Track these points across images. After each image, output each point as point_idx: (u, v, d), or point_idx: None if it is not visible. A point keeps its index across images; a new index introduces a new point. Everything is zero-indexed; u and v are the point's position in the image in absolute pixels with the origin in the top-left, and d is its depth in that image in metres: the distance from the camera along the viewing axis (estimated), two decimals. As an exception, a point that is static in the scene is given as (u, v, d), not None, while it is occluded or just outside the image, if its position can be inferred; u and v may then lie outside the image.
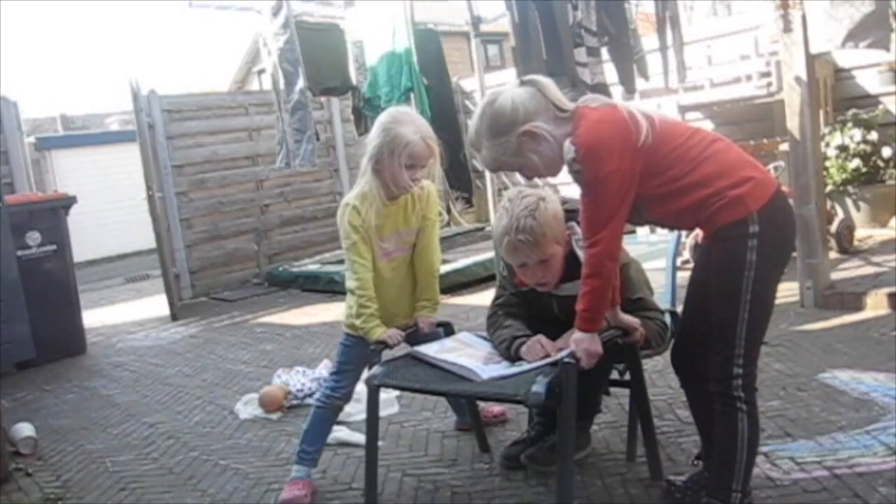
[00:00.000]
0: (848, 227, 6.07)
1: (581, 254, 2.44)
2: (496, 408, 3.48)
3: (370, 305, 2.88)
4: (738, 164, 2.18)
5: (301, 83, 5.56)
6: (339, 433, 3.44)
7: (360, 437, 3.53)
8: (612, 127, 2.11)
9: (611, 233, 2.13)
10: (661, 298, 3.25)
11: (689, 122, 7.82)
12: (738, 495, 2.18)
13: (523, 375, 2.40)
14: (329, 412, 3.03)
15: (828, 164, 6.36)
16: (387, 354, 2.86)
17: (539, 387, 2.23)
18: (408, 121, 2.81)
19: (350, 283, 2.93)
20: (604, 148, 2.09)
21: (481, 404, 3.30)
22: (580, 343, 2.28)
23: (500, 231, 2.59)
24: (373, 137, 2.81)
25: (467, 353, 2.69)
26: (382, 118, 2.83)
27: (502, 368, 2.55)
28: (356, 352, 2.97)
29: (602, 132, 2.10)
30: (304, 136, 5.63)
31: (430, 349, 2.74)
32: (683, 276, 2.81)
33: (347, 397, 3.05)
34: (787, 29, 4.58)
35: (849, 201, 6.55)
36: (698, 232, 2.55)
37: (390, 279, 2.99)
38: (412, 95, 5.42)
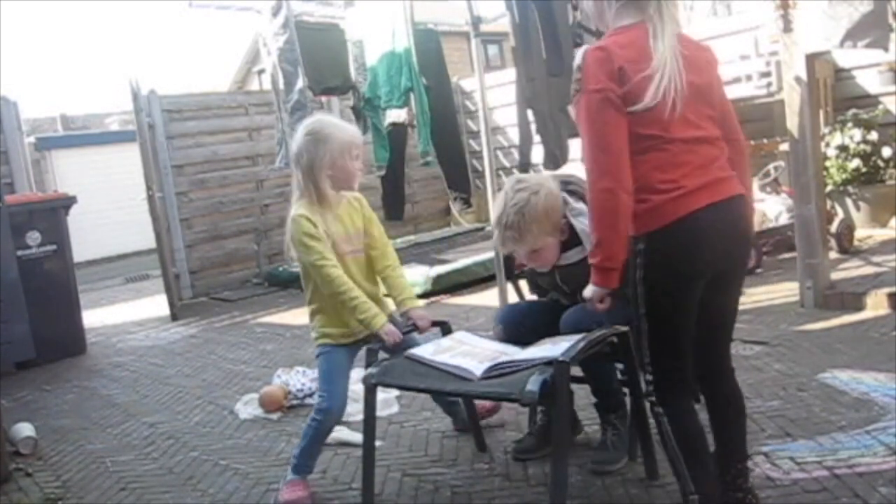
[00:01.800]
0: (848, 227, 6.07)
1: (576, 223, 2.43)
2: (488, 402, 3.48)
3: (358, 295, 2.84)
4: (652, 181, 2.07)
5: (301, 83, 5.56)
6: (339, 433, 3.44)
7: (359, 438, 3.53)
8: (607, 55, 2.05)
9: (604, 165, 2.07)
10: None
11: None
12: (696, 497, 2.12)
13: (518, 374, 2.40)
14: (324, 433, 2.94)
15: (828, 164, 6.36)
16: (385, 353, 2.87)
17: (533, 385, 2.24)
18: (329, 122, 2.99)
19: (328, 289, 2.86)
20: (590, 68, 2.05)
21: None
22: (593, 297, 2.20)
23: (493, 219, 2.70)
24: (308, 149, 2.91)
25: (463, 352, 2.69)
26: (307, 131, 2.94)
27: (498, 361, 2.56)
28: (337, 357, 2.94)
29: (597, 53, 2.07)
30: None
31: (425, 350, 2.75)
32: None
33: (342, 411, 2.94)
34: (787, 29, 4.58)
35: (849, 201, 6.55)
36: None
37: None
38: (412, 95, 5.41)
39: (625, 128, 2.05)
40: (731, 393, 2.34)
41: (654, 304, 2.10)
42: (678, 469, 2.15)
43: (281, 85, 5.85)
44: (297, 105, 5.58)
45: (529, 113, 4.85)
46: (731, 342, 2.40)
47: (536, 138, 5.01)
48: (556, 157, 4.95)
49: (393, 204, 6.28)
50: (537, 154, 5.15)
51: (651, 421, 2.38)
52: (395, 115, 5.76)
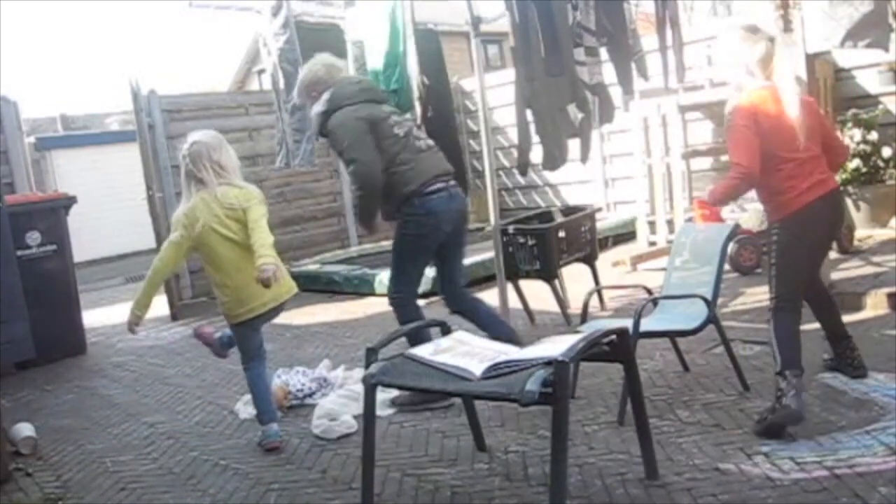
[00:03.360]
0: (848, 227, 6.06)
1: None
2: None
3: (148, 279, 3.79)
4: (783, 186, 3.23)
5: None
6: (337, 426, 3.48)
7: (347, 417, 3.57)
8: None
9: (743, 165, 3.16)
10: (706, 285, 3.55)
11: (689, 121, 7.85)
12: (781, 378, 3.03)
13: (518, 374, 2.40)
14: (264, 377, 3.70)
15: (828, 164, 6.36)
16: (384, 353, 2.87)
17: (533, 385, 2.24)
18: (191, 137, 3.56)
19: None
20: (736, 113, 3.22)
21: None
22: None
23: None
24: (191, 158, 3.48)
25: (463, 352, 2.69)
26: (191, 143, 3.53)
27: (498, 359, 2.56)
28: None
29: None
30: (303, 136, 5.62)
31: (425, 350, 2.75)
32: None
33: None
34: (787, 29, 4.58)
35: (849, 201, 6.54)
36: None
37: (239, 266, 3.45)
38: (398, 95, 5.36)
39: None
40: (824, 292, 3.58)
41: (784, 259, 3.21)
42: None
43: (281, 85, 5.84)
44: (298, 105, 5.57)
45: (529, 113, 4.84)
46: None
47: (536, 138, 5.01)
48: (554, 158, 4.95)
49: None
50: (536, 154, 5.15)
51: (651, 421, 2.37)
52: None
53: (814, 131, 3.20)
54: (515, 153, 9.88)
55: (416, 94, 5.06)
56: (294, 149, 5.62)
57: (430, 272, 6.86)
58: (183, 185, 3.58)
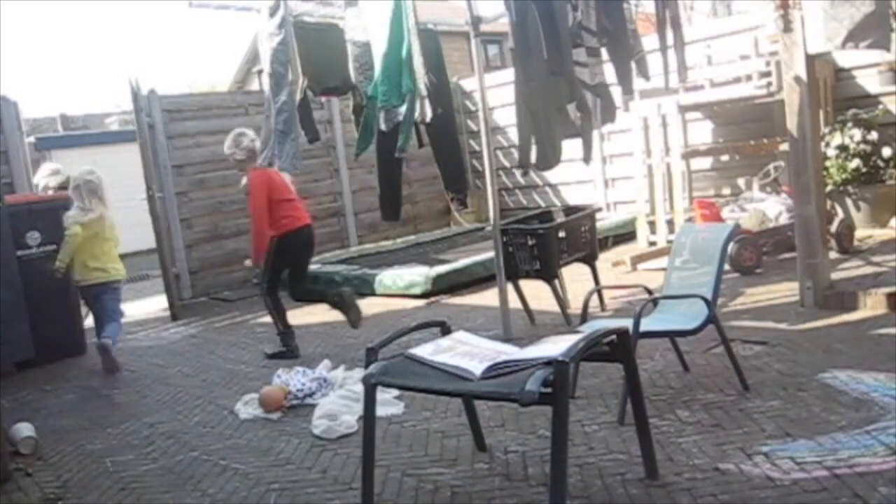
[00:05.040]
0: (848, 227, 6.07)
1: None
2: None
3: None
4: None
5: (289, 85, 5.51)
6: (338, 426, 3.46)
7: (347, 417, 3.58)
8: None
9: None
10: (706, 285, 3.50)
11: (689, 121, 7.86)
12: None
13: (518, 374, 2.40)
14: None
15: (828, 164, 6.36)
16: (384, 353, 2.86)
17: (533, 385, 2.24)
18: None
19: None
20: None
21: None
22: None
23: None
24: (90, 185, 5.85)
25: (463, 352, 2.69)
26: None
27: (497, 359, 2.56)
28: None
29: None
30: (286, 138, 5.56)
31: (425, 350, 2.75)
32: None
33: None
34: (787, 29, 4.58)
35: (849, 201, 6.55)
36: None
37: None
38: (408, 98, 5.36)
39: None
40: None
41: None
42: None
43: (271, 85, 5.79)
44: (283, 107, 5.53)
45: (527, 112, 4.84)
46: None
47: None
48: (548, 157, 4.94)
49: (389, 205, 6.25)
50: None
51: (651, 421, 2.37)
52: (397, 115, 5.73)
53: None
54: (516, 153, 9.95)
55: (423, 92, 5.05)
56: (278, 151, 5.57)
57: (431, 272, 6.90)
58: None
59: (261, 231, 5.10)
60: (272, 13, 5.47)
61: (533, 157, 4.97)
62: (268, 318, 5.51)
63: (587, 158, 5.39)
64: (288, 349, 5.21)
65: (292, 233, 5.17)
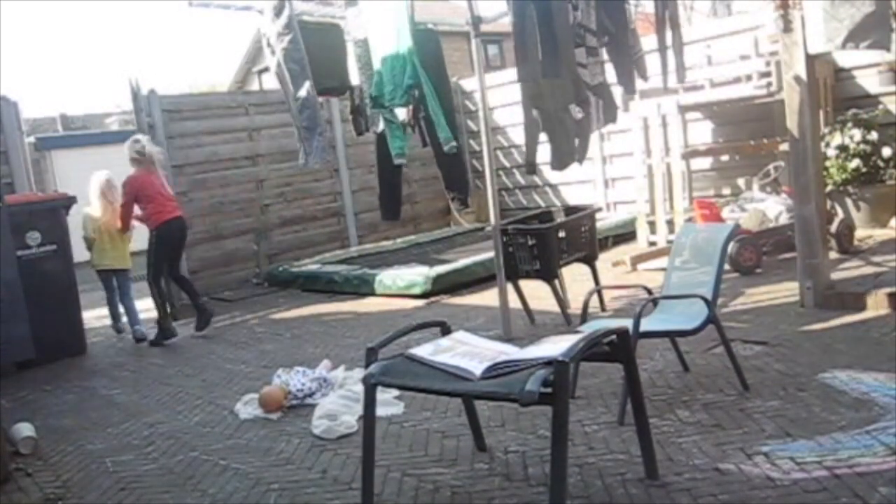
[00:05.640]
0: (848, 227, 6.07)
1: None
2: None
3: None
4: None
5: (308, 82, 5.53)
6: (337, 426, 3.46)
7: (347, 417, 3.58)
8: None
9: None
10: (706, 285, 3.51)
11: (689, 121, 7.86)
12: None
13: (518, 374, 2.40)
14: None
15: (828, 164, 6.36)
16: (384, 353, 2.86)
17: (533, 385, 2.24)
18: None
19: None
20: None
21: None
22: None
23: None
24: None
25: (463, 352, 2.69)
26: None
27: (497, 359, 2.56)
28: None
29: None
30: (313, 134, 5.60)
31: (425, 350, 2.75)
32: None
33: None
34: (787, 29, 4.58)
35: (849, 201, 6.55)
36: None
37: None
38: (416, 93, 5.37)
39: None
40: None
41: None
42: None
43: (290, 85, 5.80)
44: (305, 104, 5.54)
45: (535, 113, 4.84)
46: None
47: (542, 138, 5.00)
48: (563, 157, 4.93)
49: (388, 204, 6.25)
50: (541, 154, 5.15)
51: (651, 421, 2.37)
52: (398, 114, 5.74)
53: None
54: (516, 153, 9.92)
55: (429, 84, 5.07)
56: (307, 147, 5.61)
57: (431, 272, 6.90)
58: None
59: (122, 217, 6.36)
60: (277, 13, 5.48)
61: (541, 158, 4.97)
62: (268, 318, 5.52)
63: (581, 159, 5.38)
64: (167, 330, 6.25)
65: (163, 224, 6.19)
